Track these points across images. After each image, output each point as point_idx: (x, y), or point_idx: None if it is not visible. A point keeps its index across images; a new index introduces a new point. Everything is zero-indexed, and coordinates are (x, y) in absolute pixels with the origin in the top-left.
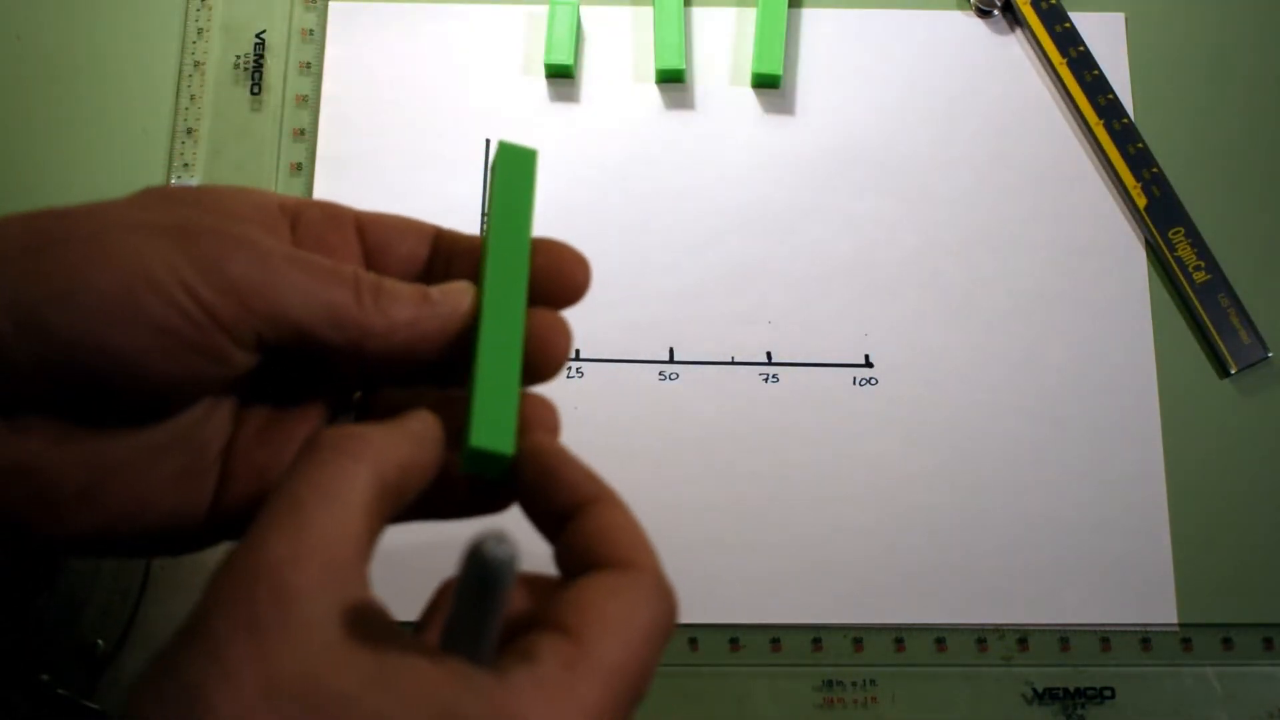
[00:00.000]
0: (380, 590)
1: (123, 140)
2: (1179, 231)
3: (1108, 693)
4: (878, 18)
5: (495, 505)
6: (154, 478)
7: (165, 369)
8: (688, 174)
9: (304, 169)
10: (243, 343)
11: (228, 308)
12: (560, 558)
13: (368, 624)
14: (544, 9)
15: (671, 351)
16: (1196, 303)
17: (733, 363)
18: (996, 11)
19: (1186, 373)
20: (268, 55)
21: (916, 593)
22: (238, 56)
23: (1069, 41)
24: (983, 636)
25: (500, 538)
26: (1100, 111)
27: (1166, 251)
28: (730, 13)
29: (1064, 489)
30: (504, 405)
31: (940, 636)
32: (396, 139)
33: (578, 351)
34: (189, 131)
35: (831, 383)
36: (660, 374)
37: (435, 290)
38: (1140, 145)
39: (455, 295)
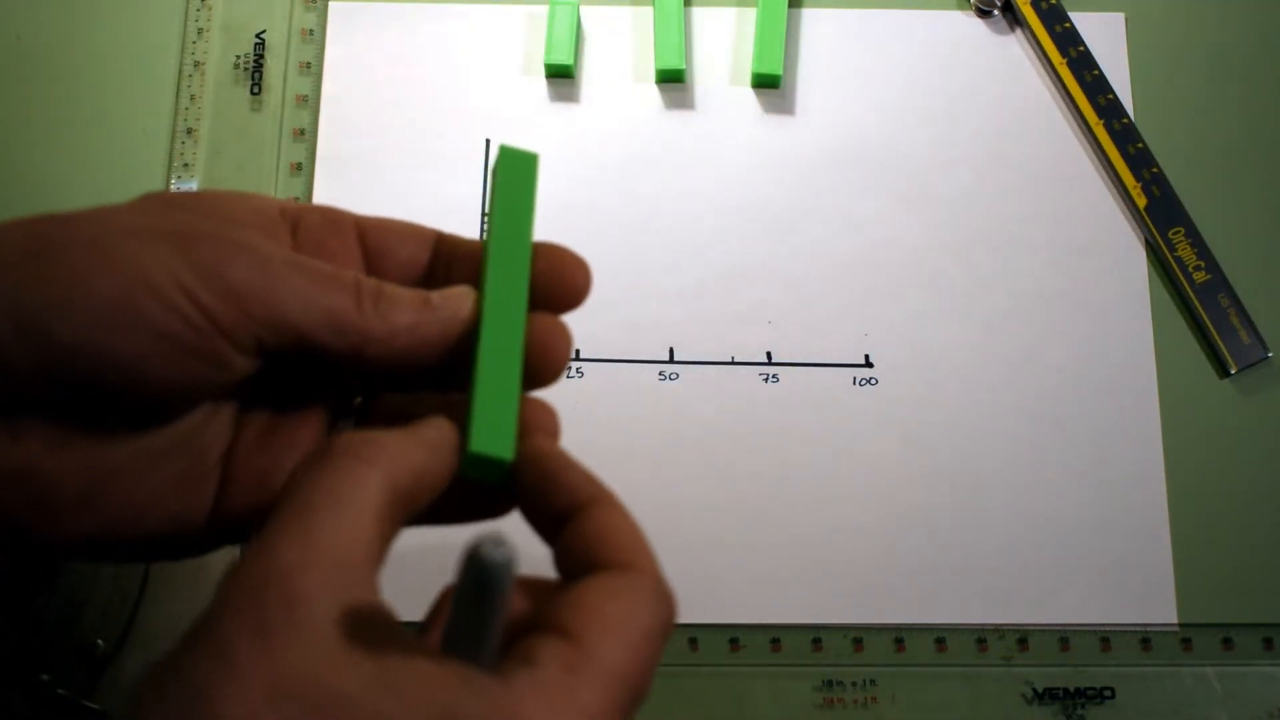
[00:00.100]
0: (383, 591)
1: (123, 140)
2: (1179, 231)
3: (1108, 693)
4: (878, 18)
5: (495, 510)
6: (154, 483)
7: (165, 374)
8: (688, 174)
9: (304, 169)
10: (243, 348)
11: (228, 313)
12: (559, 560)
13: (374, 628)
14: (544, 9)
15: (671, 351)
16: (1196, 303)
17: (733, 363)
18: (996, 11)
19: (1186, 373)
20: (268, 55)
21: (916, 593)
22: (238, 56)
23: (1069, 41)
24: (983, 636)
25: (498, 541)
26: (1100, 111)
27: (1166, 251)
28: (730, 13)
29: (1064, 489)
30: (504, 410)
31: (940, 636)
32: (396, 139)
33: (578, 352)
34: (189, 131)
35: (831, 383)
36: (660, 374)
37: (436, 295)
38: (1140, 145)
39: (455, 300)
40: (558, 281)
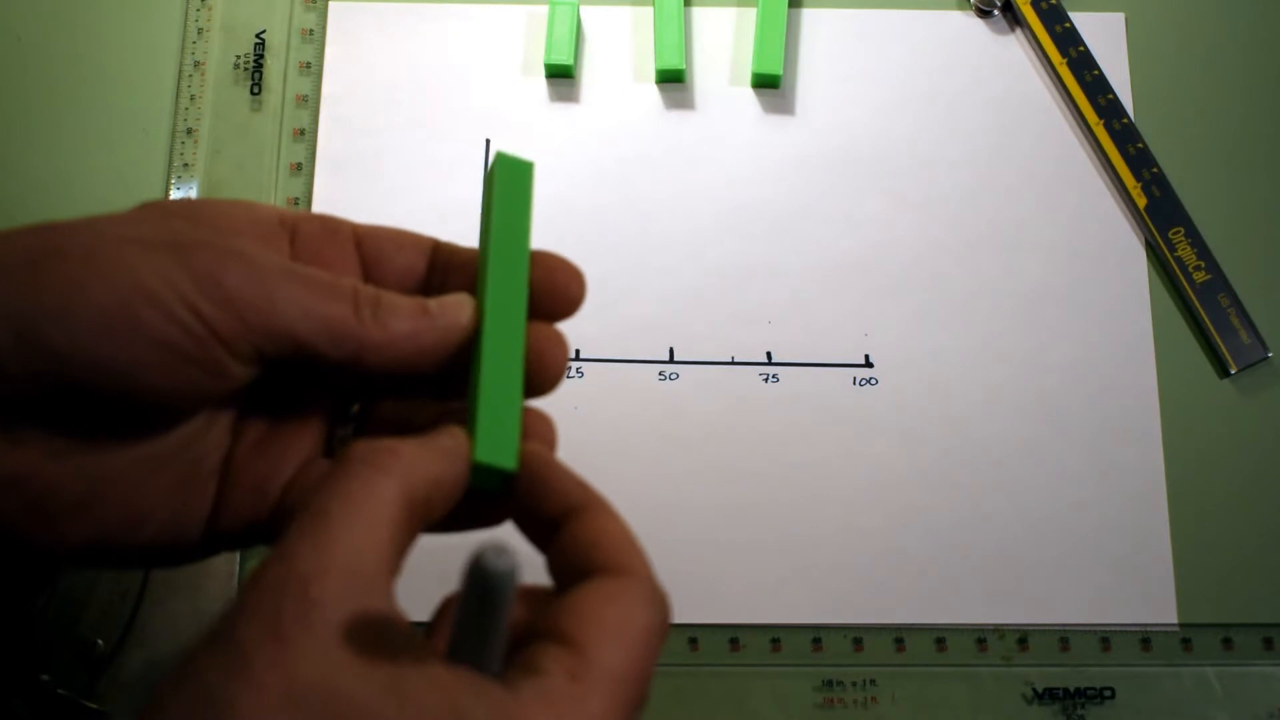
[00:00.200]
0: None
1: (123, 140)
2: (1179, 231)
3: (1108, 693)
4: (878, 18)
5: (491, 519)
6: (151, 490)
7: (163, 383)
8: (688, 174)
9: (304, 169)
10: (241, 356)
11: (226, 322)
12: (553, 566)
13: (388, 636)
14: (544, 9)
15: (671, 351)
16: (1196, 303)
17: (733, 363)
18: (996, 11)
19: (1186, 373)
20: (268, 55)
21: (916, 593)
22: (238, 56)
23: (1069, 41)
24: (983, 636)
25: (500, 549)
26: (1100, 111)
27: (1166, 251)
28: (730, 13)
29: (1064, 489)
30: (507, 420)
31: (940, 636)
32: (396, 139)
33: (577, 352)
34: (189, 131)
35: (831, 383)
36: (660, 374)
37: (434, 303)
38: (1140, 145)
39: (454, 308)
40: (553, 290)
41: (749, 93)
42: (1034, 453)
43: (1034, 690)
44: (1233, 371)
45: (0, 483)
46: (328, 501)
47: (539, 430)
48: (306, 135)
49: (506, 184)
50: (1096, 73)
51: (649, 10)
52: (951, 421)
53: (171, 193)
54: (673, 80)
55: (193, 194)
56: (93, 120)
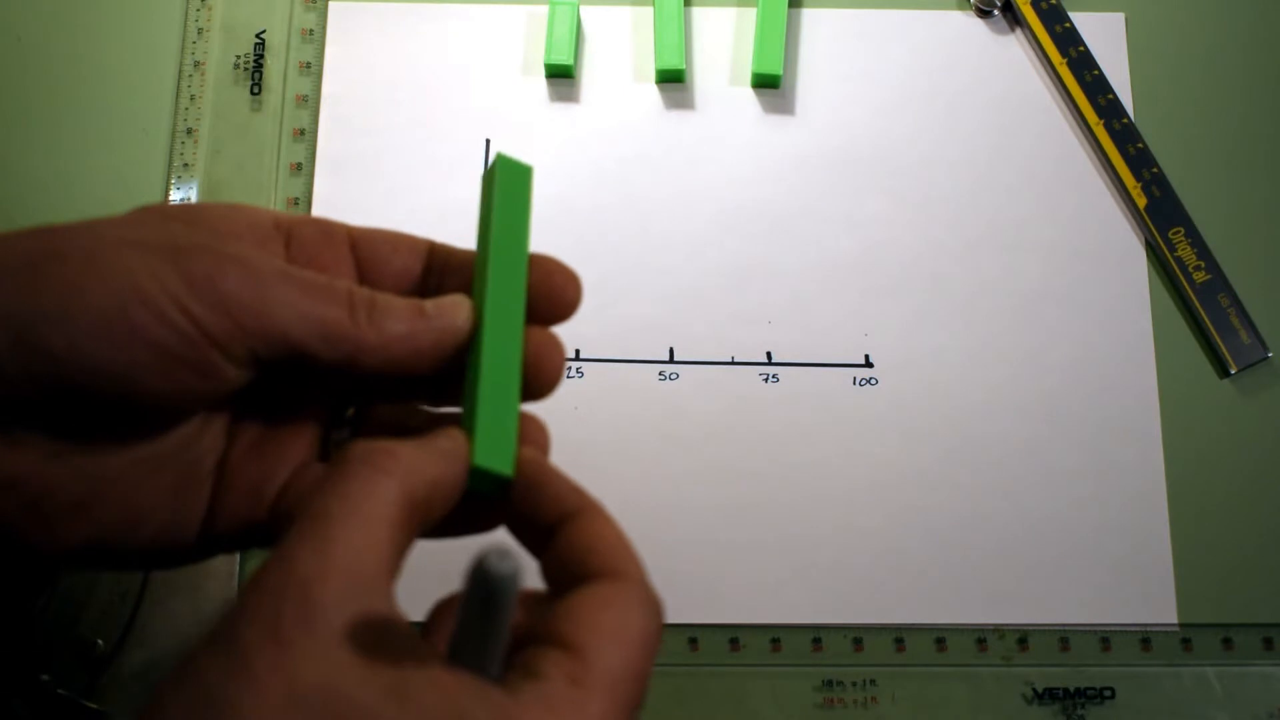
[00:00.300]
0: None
1: (123, 140)
2: (1179, 231)
3: (1108, 693)
4: (878, 18)
5: (485, 525)
6: (147, 492)
7: (158, 385)
8: (688, 174)
9: (304, 169)
10: (236, 359)
11: (221, 325)
12: (547, 571)
13: (389, 638)
14: (544, 9)
15: (671, 351)
16: (1196, 303)
17: (733, 363)
18: (996, 11)
19: (1186, 373)
20: (268, 55)
21: (916, 593)
22: (238, 56)
23: (1069, 41)
24: (983, 636)
25: (503, 553)
26: (1100, 111)
27: (1166, 251)
28: (730, 13)
29: (1064, 489)
30: (505, 424)
31: (940, 636)
32: (396, 139)
33: (577, 351)
34: (189, 131)
35: (831, 383)
36: (660, 374)
37: (430, 304)
38: (1140, 145)
39: (450, 310)
40: (549, 294)
41: (749, 93)
42: (1034, 453)
43: (1034, 690)
44: (1233, 371)
45: None
46: (328, 503)
47: (533, 435)
48: (306, 135)
49: (506, 187)
50: (1096, 73)
51: (649, 10)
52: (951, 421)
53: (171, 193)
54: (673, 80)
55: (193, 194)
56: (93, 120)
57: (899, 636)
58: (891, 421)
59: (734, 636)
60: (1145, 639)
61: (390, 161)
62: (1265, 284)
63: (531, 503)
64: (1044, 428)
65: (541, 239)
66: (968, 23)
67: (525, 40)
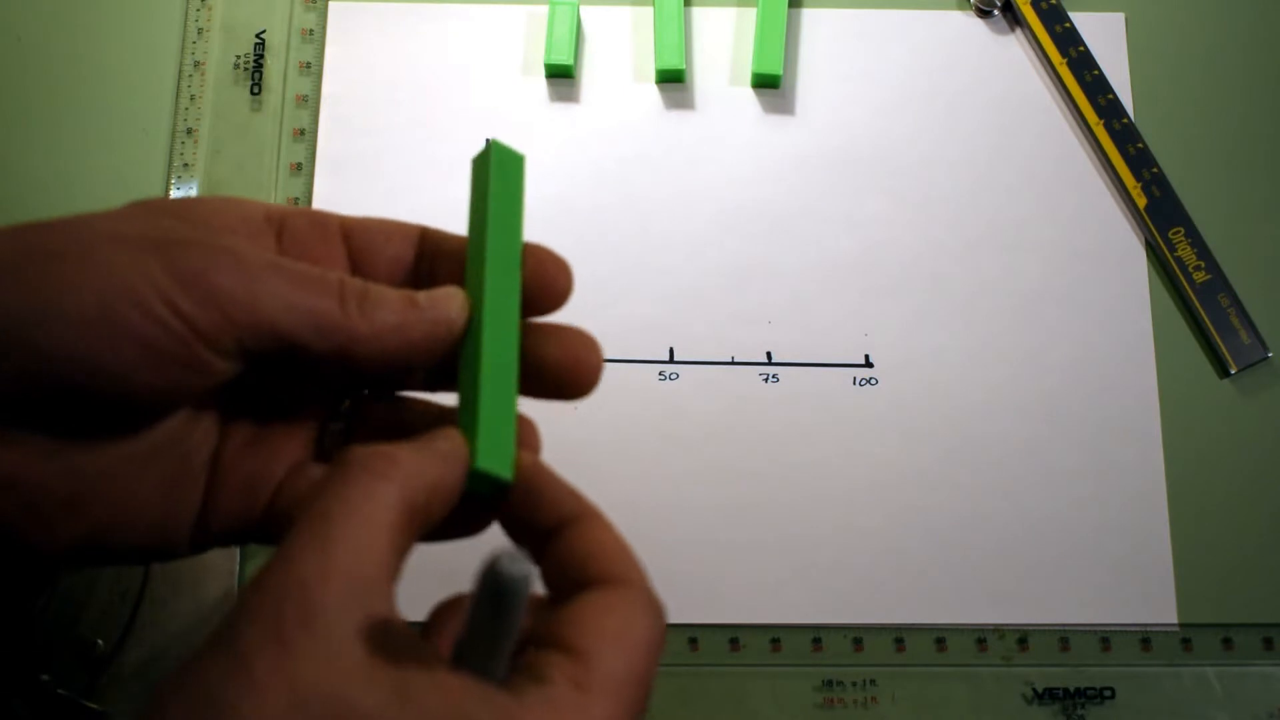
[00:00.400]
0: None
1: (123, 140)
2: (1179, 231)
3: (1108, 693)
4: (878, 18)
5: (476, 527)
6: (140, 487)
7: (147, 380)
8: (688, 174)
9: (304, 169)
10: (224, 352)
11: (210, 319)
12: (547, 575)
13: (391, 640)
14: (544, 9)
15: (671, 351)
16: (1196, 303)
17: (733, 363)
18: (996, 11)
19: (1186, 373)
20: (268, 55)
21: (916, 593)
22: (238, 56)
23: (1069, 41)
24: (983, 636)
25: (515, 556)
26: (1100, 111)
27: (1166, 251)
28: (730, 13)
29: (1064, 489)
30: (504, 426)
31: (940, 636)
32: (396, 139)
33: None
34: (189, 131)
35: (831, 383)
36: (660, 374)
37: (423, 295)
38: (1140, 145)
39: (442, 301)
40: (539, 283)
41: (749, 93)
42: (1034, 453)
43: (1034, 690)
44: (1233, 371)
45: None
46: (328, 506)
47: (525, 437)
48: (306, 135)
49: (501, 176)
50: (1096, 73)
51: (649, 10)
52: (951, 421)
53: (171, 193)
54: (673, 80)
55: (193, 194)
56: (93, 120)
57: (899, 636)
58: (891, 421)
59: (734, 636)
60: (1145, 639)
61: (390, 161)
62: (1265, 284)
63: (529, 507)
64: (1044, 428)
65: (541, 239)
66: (968, 23)
67: (525, 40)
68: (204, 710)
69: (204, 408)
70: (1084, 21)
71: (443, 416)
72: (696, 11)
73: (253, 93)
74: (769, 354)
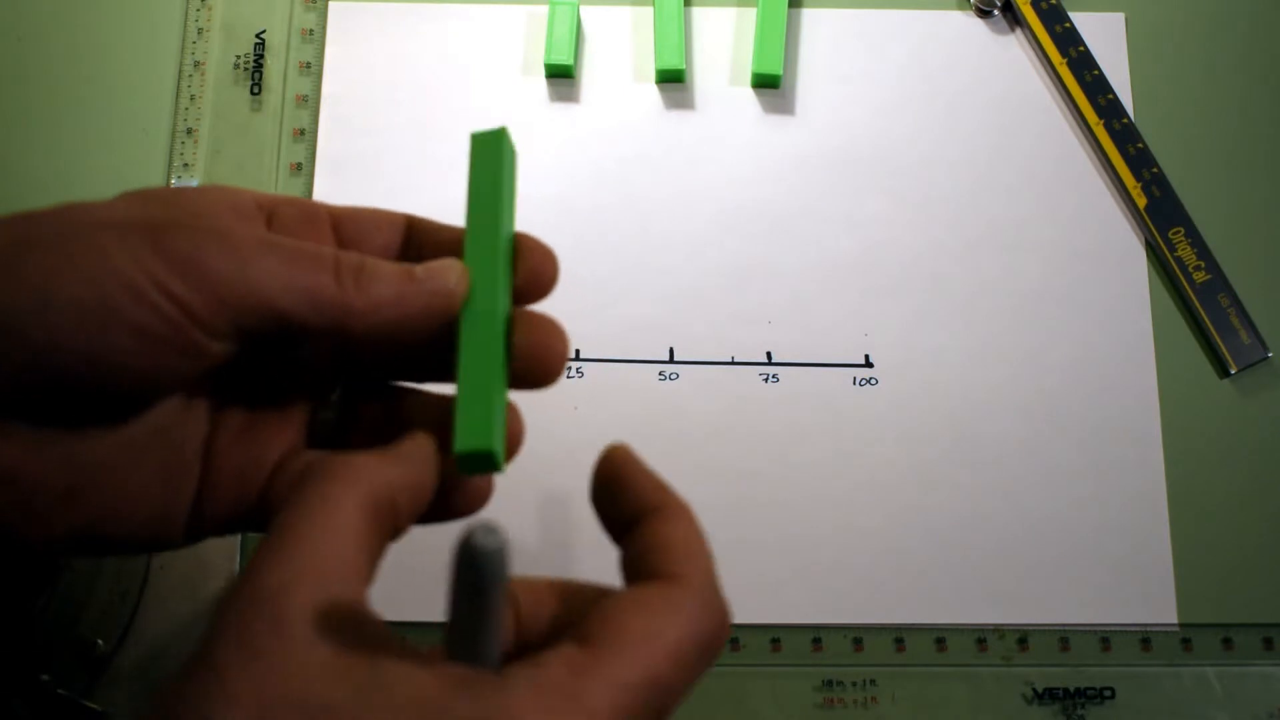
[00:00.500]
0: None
1: (123, 140)
2: (1179, 231)
3: (1108, 693)
4: (878, 17)
5: (463, 509)
6: (135, 476)
7: (141, 366)
8: (688, 174)
9: (304, 169)
10: (219, 334)
11: (203, 301)
12: (623, 567)
13: (363, 638)
14: (544, 9)
15: (671, 351)
16: (1196, 303)
17: (733, 363)
18: (996, 11)
19: (1186, 373)
20: (268, 55)
21: (916, 593)
22: (238, 56)
23: (1069, 41)
24: (983, 636)
25: (489, 528)
26: (1100, 111)
27: (1166, 251)
28: (730, 13)
29: (1064, 489)
30: (486, 403)
31: (940, 636)
32: (396, 139)
33: (577, 351)
34: (189, 131)
35: (831, 383)
36: (660, 374)
37: (420, 268)
38: (1140, 145)
39: (440, 273)
40: (526, 272)
41: (749, 93)
42: (1034, 453)
43: (1034, 690)
44: (1233, 371)
45: None
46: (290, 516)
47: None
48: (306, 135)
49: (482, 162)
50: (1096, 73)
51: (649, 10)
52: (951, 421)
53: None
54: (673, 80)
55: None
56: (93, 120)
57: (899, 636)
58: (891, 421)
59: (734, 636)
60: (1145, 639)
61: (390, 161)
62: (1265, 284)
63: (610, 495)
64: (1044, 428)
65: (542, 239)
66: (968, 23)
67: (525, 40)
68: None
69: (195, 395)
70: (1084, 21)
71: (437, 405)
72: (696, 11)
73: (253, 93)
74: (769, 354)
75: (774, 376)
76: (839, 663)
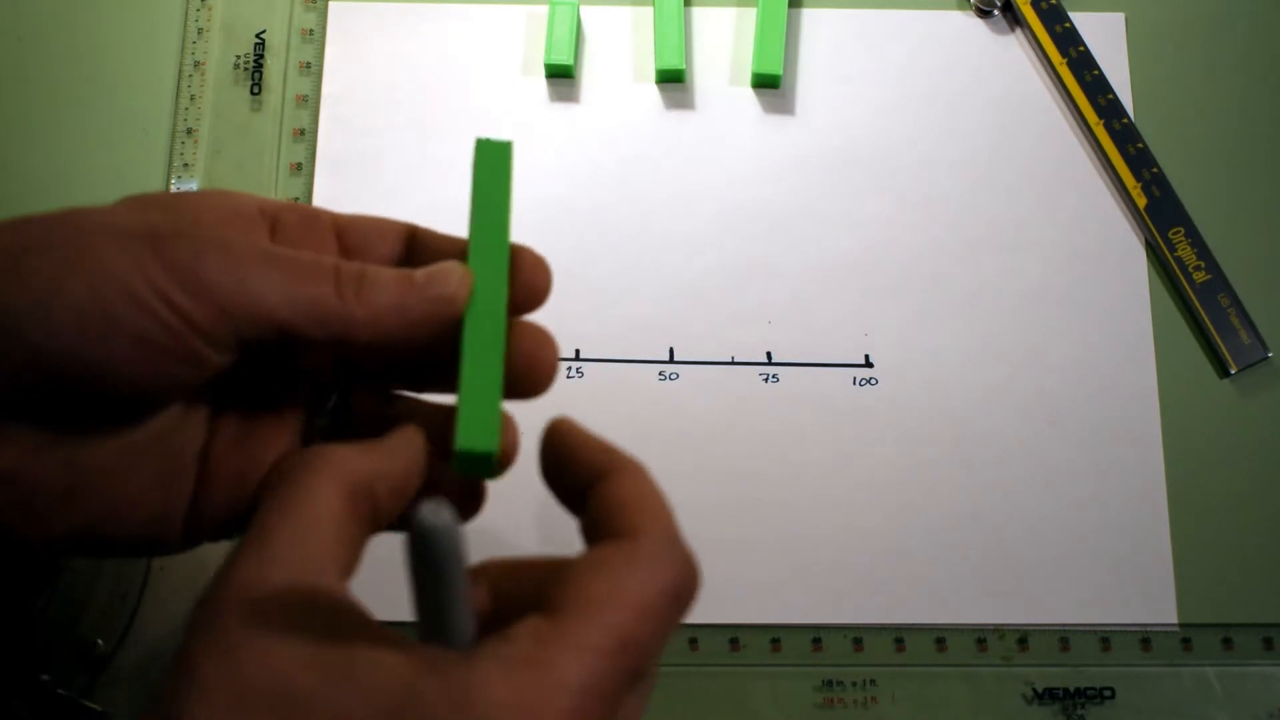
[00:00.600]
0: (377, 589)
1: (123, 140)
2: (1179, 231)
3: (1108, 693)
4: (878, 17)
5: (463, 513)
6: (132, 481)
7: (141, 373)
8: (688, 174)
9: (304, 169)
10: (220, 344)
11: (202, 312)
12: (584, 537)
13: (338, 626)
14: (544, 9)
15: (671, 351)
16: (1196, 303)
17: (733, 363)
18: (996, 11)
19: (1186, 373)
20: (268, 55)
21: (916, 593)
22: (238, 56)
23: (1069, 41)
24: (983, 636)
25: (436, 507)
26: (1100, 111)
27: (1166, 251)
28: (730, 13)
29: (1064, 489)
30: (486, 405)
31: (940, 636)
32: (396, 139)
33: (577, 351)
34: (189, 131)
35: (831, 383)
36: (660, 374)
37: (420, 273)
38: (1140, 145)
39: (441, 278)
40: (520, 281)
41: (749, 93)
42: (1034, 453)
43: (1034, 690)
44: (1233, 371)
45: None
46: (264, 511)
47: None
48: (306, 135)
49: (486, 169)
50: (1096, 73)
51: (649, 10)
52: (951, 421)
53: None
54: (673, 80)
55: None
56: (93, 120)
57: (899, 636)
58: (891, 421)
59: (734, 636)
60: (1145, 639)
61: (390, 161)
62: (1265, 284)
63: (560, 465)
64: (1044, 428)
65: (542, 239)
66: (968, 23)
67: (525, 40)
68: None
69: (195, 401)
70: (1084, 21)
71: (433, 412)
72: (696, 11)
73: (253, 93)
74: (769, 354)
75: (774, 376)
76: (839, 663)
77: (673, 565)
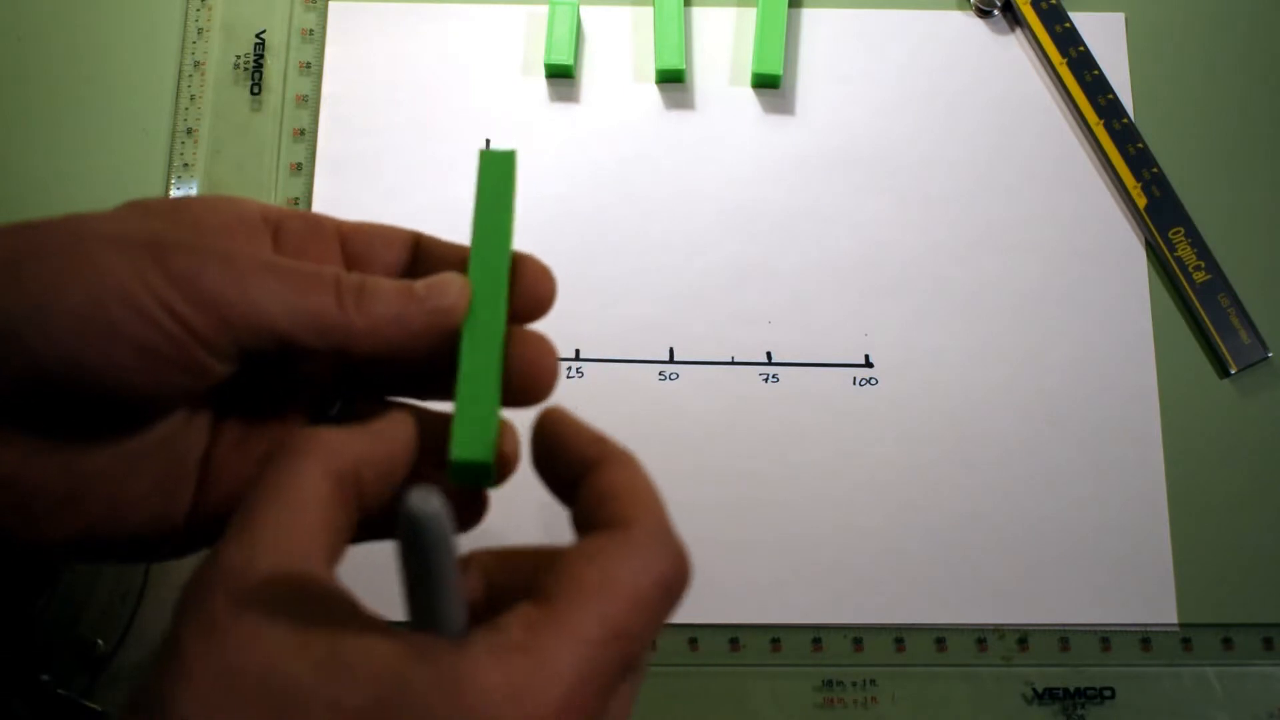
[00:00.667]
0: (378, 591)
1: (123, 140)
2: (1179, 231)
3: (1108, 693)
4: (878, 17)
5: (463, 523)
6: (133, 486)
7: (141, 381)
8: (688, 174)
9: (304, 169)
10: (221, 354)
11: (206, 323)
12: (576, 528)
13: (326, 611)
14: (544, 9)
15: (671, 351)
16: (1196, 303)
17: (733, 363)
18: (996, 11)
19: (1186, 373)
20: (268, 55)
21: (916, 593)
22: (238, 56)
23: (1069, 41)
24: (983, 636)
25: (425, 494)
26: (1100, 111)
27: (1166, 251)
28: (730, 13)
29: (1064, 489)
30: (482, 414)
31: (940, 636)
32: (396, 139)
33: (577, 352)
34: (189, 131)
35: (831, 383)
36: (660, 374)
37: (420, 284)
38: (1140, 145)
39: (440, 289)
40: (524, 291)
41: (749, 93)
42: (1034, 453)
43: (1034, 690)
44: (1233, 371)
45: None
46: (251, 496)
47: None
48: (306, 135)
49: (490, 179)
50: (1096, 73)
51: (649, 10)
52: (951, 421)
53: (171, 193)
54: (673, 80)
55: (192, 194)
56: (93, 120)
57: (899, 636)
58: (891, 421)
59: (734, 636)
60: (1145, 639)
61: (390, 161)
62: (1265, 284)
63: (551, 456)
64: (1044, 428)
65: (542, 239)
66: (968, 23)
67: (525, 40)
68: (147, 706)
69: (198, 407)
70: (1084, 21)
71: (435, 420)
72: (696, 11)
73: (253, 93)
74: (769, 354)
75: (774, 376)
76: (839, 663)
77: (665, 556)
